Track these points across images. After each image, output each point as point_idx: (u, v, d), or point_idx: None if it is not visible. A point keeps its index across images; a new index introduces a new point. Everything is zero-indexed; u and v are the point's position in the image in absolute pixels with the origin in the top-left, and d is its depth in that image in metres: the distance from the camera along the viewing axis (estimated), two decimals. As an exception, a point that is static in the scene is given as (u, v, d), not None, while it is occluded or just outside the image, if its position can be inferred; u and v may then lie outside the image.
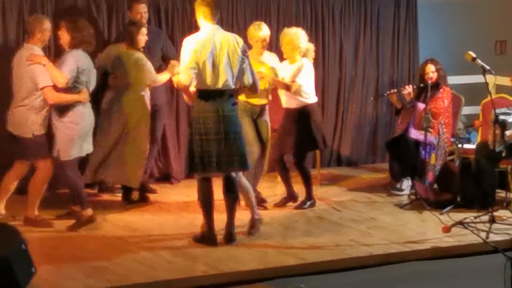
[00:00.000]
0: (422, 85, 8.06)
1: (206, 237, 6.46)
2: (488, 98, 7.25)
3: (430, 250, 6.41)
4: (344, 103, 9.43)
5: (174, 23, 8.49)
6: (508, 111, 7.21)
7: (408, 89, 8.12)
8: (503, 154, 7.16)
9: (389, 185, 8.29)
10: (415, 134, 7.95)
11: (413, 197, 7.79)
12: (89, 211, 6.91)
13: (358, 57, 9.44)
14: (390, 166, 8.39)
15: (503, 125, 6.94)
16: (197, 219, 6.79)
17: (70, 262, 6.04)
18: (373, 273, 6.05)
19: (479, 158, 7.60)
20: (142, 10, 7.80)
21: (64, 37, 6.85)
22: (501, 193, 7.48)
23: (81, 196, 6.93)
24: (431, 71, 8.07)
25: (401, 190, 8.06)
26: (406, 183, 8.07)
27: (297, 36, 7.41)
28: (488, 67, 6.84)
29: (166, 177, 8.55)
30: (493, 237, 6.60)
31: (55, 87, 6.69)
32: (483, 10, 10.09)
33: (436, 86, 8.06)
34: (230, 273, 5.85)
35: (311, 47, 7.65)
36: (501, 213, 7.15)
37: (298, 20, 9.06)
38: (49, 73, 6.66)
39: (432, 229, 6.89)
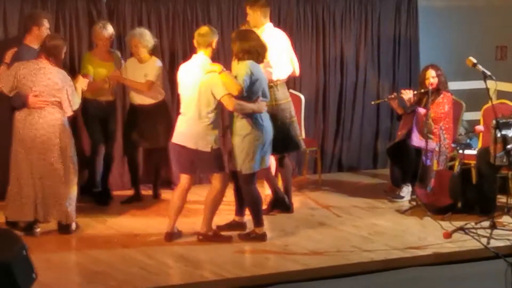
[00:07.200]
0: (422, 90, 8.06)
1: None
2: (489, 104, 7.25)
3: (431, 256, 6.41)
4: (345, 108, 9.42)
5: (175, 28, 8.49)
6: (509, 121, 7.20)
7: (409, 93, 8.11)
8: (504, 161, 7.16)
9: (390, 191, 8.28)
10: (417, 142, 7.94)
11: (414, 202, 7.78)
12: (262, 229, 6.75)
13: (359, 63, 9.43)
14: (391, 171, 8.38)
15: (505, 140, 6.96)
16: (198, 224, 6.79)
17: (71, 267, 6.05)
18: (374, 279, 6.04)
19: (480, 164, 7.60)
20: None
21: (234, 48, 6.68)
22: (502, 199, 7.47)
23: (259, 212, 6.74)
24: (431, 77, 8.07)
25: (400, 197, 8.04)
26: (406, 190, 8.06)
27: (142, 36, 7.69)
28: (489, 73, 6.84)
29: (167, 183, 8.54)
30: (494, 243, 6.60)
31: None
32: (483, 16, 10.09)
33: (437, 91, 8.07)
34: (231, 278, 5.84)
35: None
36: (502, 219, 7.16)
37: (299, 24, 9.06)
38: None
39: (433, 234, 6.89)
